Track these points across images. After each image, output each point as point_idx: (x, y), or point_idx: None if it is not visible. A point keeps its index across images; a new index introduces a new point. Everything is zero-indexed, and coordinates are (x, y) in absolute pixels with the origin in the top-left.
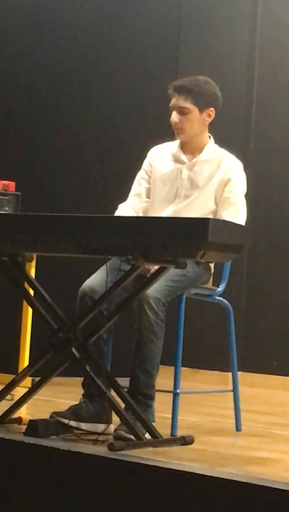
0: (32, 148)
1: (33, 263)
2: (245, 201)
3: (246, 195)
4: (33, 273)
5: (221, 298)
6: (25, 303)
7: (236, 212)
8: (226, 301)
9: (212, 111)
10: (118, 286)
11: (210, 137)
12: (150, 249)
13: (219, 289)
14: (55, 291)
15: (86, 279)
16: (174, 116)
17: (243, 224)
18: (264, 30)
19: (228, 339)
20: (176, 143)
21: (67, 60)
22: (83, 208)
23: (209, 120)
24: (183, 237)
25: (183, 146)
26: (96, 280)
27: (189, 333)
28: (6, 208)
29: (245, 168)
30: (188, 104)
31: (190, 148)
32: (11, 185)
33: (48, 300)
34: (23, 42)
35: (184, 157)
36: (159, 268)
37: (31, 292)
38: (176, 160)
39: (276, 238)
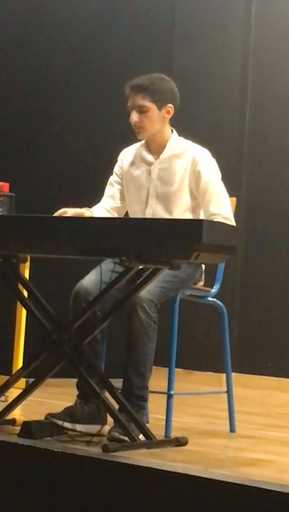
0: (26, 150)
1: (27, 264)
2: (223, 185)
3: (240, 196)
4: (27, 274)
5: (214, 299)
6: (19, 304)
7: (220, 202)
8: (219, 302)
9: (171, 107)
10: (112, 288)
11: (172, 131)
12: (144, 250)
13: (213, 291)
14: (49, 292)
15: (80, 281)
16: (134, 116)
17: (229, 207)
18: (258, 30)
19: (221, 340)
20: (142, 143)
21: (62, 62)
22: None
23: (168, 116)
24: (177, 238)
25: (148, 146)
26: (90, 281)
27: (183, 334)
28: (0, 210)
29: (240, 169)
30: (146, 102)
31: (154, 146)
32: (5, 186)
33: (42, 301)
34: (14, 41)
35: (150, 157)
36: (153, 269)
37: (25, 293)
38: (144, 161)
39: (270, 239)
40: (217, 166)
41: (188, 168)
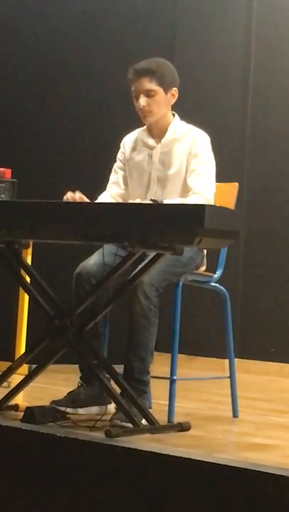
0: (28, 135)
1: (30, 250)
2: (213, 172)
3: (242, 181)
4: (29, 260)
5: (217, 284)
6: (21, 290)
7: (203, 183)
8: (222, 287)
9: (175, 91)
10: (115, 273)
11: (174, 115)
12: (147, 235)
13: (216, 276)
14: (52, 278)
15: (82, 262)
16: (142, 100)
17: (209, 194)
18: (260, 16)
19: (224, 326)
20: (144, 128)
21: (63, 47)
22: None
23: (174, 100)
24: (179, 223)
25: (150, 130)
26: (93, 263)
27: (186, 319)
28: (2, 196)
29: (242, 155)
30: (153, 86)
31: (156, 130)
32: (7, 172)
33: (45, 287)
34: (16, 28)
35: (151, 141)
36: (155, 254)
37: (28, 279)
38: (146, 145)
39: (272, 224)
40: (212, 153)
41: (186, 150)
